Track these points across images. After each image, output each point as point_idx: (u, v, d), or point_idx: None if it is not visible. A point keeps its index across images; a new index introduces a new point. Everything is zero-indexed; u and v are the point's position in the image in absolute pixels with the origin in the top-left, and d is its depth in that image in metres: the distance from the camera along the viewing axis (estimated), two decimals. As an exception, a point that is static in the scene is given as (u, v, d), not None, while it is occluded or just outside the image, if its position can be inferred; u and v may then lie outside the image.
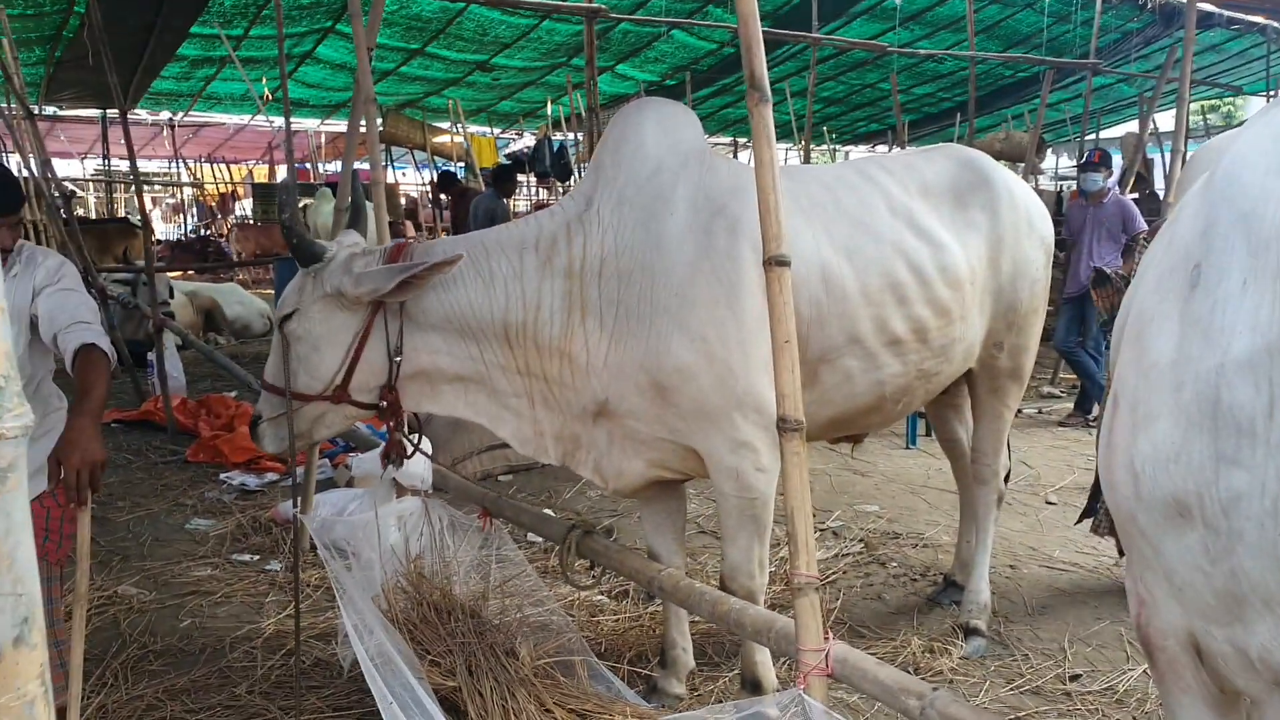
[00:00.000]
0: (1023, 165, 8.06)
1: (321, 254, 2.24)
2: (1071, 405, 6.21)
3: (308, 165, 15.92)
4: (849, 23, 9.26)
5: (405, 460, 2.46)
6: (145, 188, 10.57)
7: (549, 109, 11.03)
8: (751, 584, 2.33)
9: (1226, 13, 8.35)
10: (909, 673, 1.94)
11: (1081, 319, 5.91)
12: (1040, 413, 6.28)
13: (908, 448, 5.42)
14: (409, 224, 13.17)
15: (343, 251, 2.26)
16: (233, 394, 6.23)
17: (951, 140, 9.52)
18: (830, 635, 1.64)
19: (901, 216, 2.51)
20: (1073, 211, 6.32)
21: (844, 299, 2.36)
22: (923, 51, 8.72)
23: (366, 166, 3.78)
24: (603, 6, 5.51)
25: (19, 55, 7.06)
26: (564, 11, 6.21)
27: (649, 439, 2.28)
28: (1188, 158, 3.16)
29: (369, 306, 2.19)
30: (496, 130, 13.63)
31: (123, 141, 5.84)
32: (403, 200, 15.02)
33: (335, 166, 14.71)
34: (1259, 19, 8.78)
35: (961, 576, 3.20)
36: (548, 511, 3.68)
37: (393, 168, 15.21)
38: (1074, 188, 9.15)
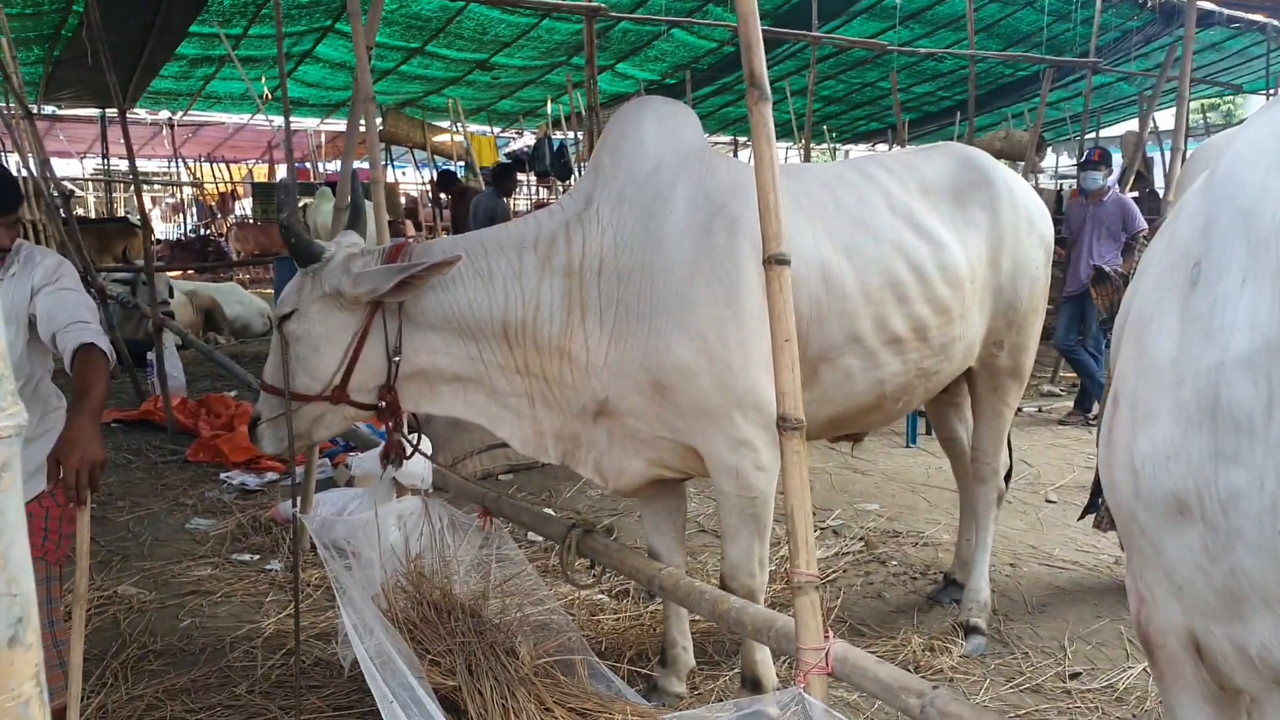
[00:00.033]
0: (1023, 164, 8.05)
1: (320, 254, 2.24)
2: (1071, 404, 6.21)
3: (307, 164, 15.92)
4: (849, 21, 9.25)
5: (404, 460, 2.46)
6: (145, 187, 10.58)
7: (549, 108, 11.03)
8: (752, 582, 2.33)
9: (1226, 11, 8.34)
10: (909, 671, 1.94)
11: (1082, 317, 5.91)
12: (1040, 411, 6.28)
13: (908, 446, 5.42)
14: (409, 223, 13.17)
15: (341, 251, 2.26)
16: (232, 393, 6.22)
17: (951, 139, 9.52)
18: (830, 634, 1.64)
19: (901, 215, 2.51)
20: (1073, 210, 6.32)
21: (844, 298, 2.36)
22: (923, 50, 8.71)
23: (366, 166, 3.78)
24: (602, 5, 5.50)
25: (17, 54, 7.05)
26: (564, 10, 6.21)
27: (649, 438, 2.28)
28: (1187, 156, 3.16)
29: (367, 306, 2.19)
30: (496, 129, 13.62)
31: (122, 141, 5.84)
32: (403, 199, 15.01)
33: (335, 166, 14.70)
34: (1259, 17, 8.78)
35: (961, 575, 3.20)
36: (548, 510, 3.68)
37: (392, 167, 15.20)
38: (1074, 186, 9.15)
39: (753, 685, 2.47)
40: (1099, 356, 5.80)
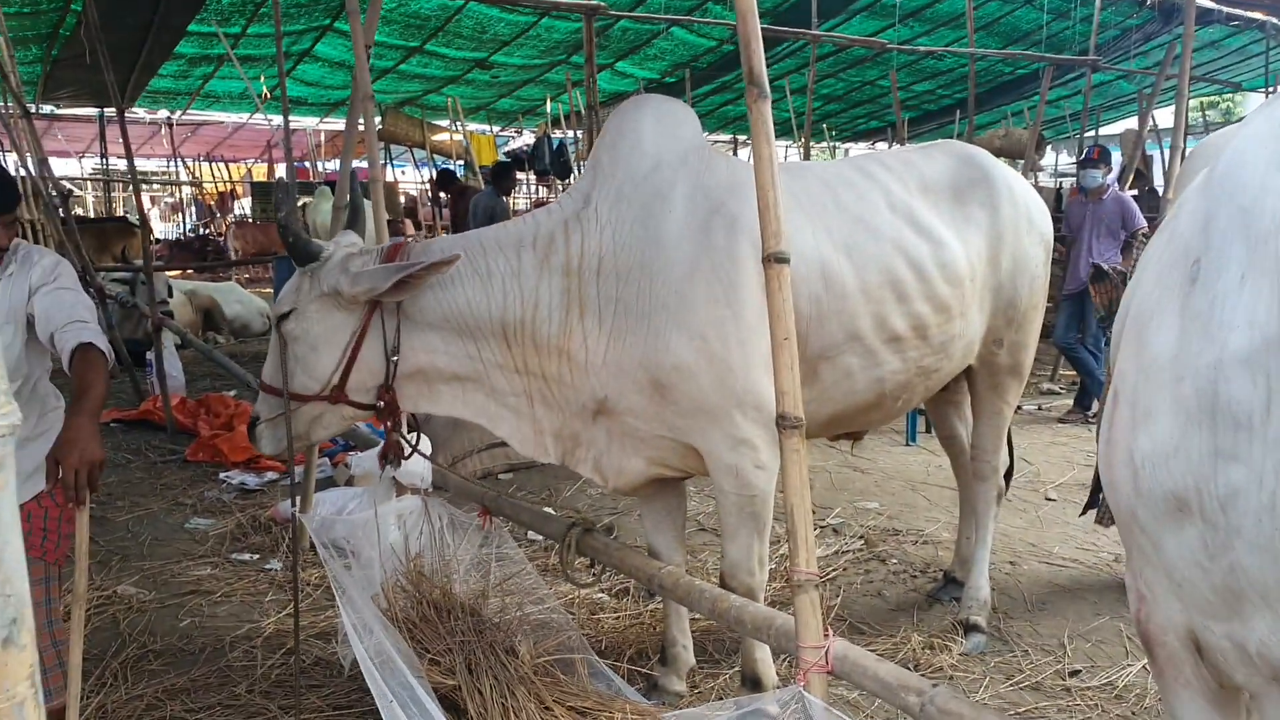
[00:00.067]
0: (1022, 162, 8.05)
1: (318, 253, 2.24)
2: (1071, 402, 6.21)
3: (306, 163, 15.91)
4: (848, 19, 9.24)
5: (403, 460, 2.46)
6: (143, 187, 10.56)
7: (548, 106, 11.02)
8: (751, 581, 2.33)
9: (1225, 9, 8.33)
10: (909, 669, 1.94)
11: (1081, 315, 5.91)
12: (1040, 409, 6.28)
13: (907, 444, 5.42)
14: (408, 222, 13.16)
15: (339, 250, 2.26)
16: (232, 393, 6.22)
17: (951, 137, 9.52)
18: (830, 632, 1.64)
19: (901, 213, 2.51)
20: (1072, 208, 6.32)
21: (843, 296, 2.36)
22: (922, 48, 8.70)
23: (365, 165, 3.78)
24: (602, 4, 5.50)
25: (15, 53, 7.04)
26: (563, 9, 6.20)
27: (648, 437, 2.28)
28: (1187, 154, 3.16)
29: (366, 306, 2.19)
30: (496, 128, 13.61)
31: (120, 140, 5.83)
32: (402, 199, 15.00)
33: (334, 165, 14.69)
34: (1258, 15, 8.77)
35: (961, 573, 3.20)
36: (548, 509, 3.69)
37: (392, 166, 15.19)
38: (1073, 184, 9.14)
39: (753, 683, 2.47)
40: (1098, 354, 5.80)
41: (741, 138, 14.42)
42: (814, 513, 2.69)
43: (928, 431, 5.22)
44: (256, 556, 3.73)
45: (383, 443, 2.44)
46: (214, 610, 3.24)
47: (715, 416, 2.20)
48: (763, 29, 1.64)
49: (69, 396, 1.96)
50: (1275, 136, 1.06)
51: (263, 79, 9.52)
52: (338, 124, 13.22)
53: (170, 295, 8.10)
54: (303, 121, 13.28)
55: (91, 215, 16.40)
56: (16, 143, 6.83)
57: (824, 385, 2.42)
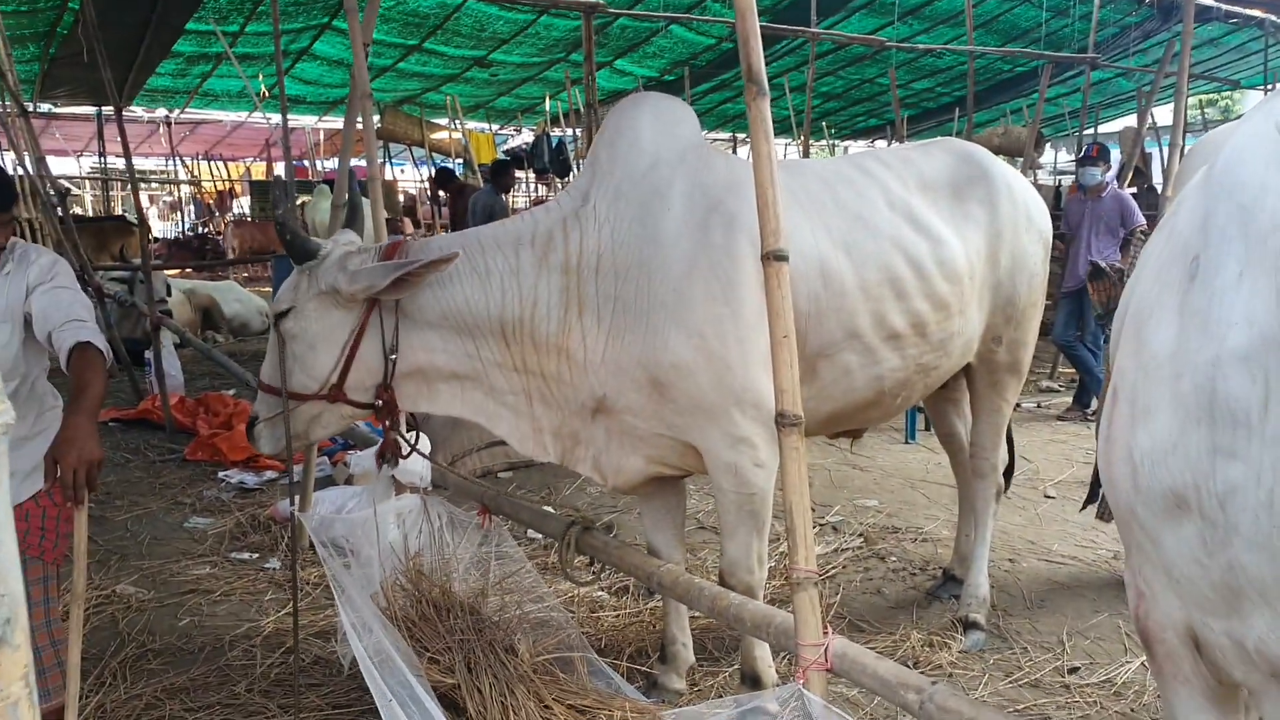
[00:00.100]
0: (1021, 160, 8.05)
1: (316, 251, 2.23)
2: (1070, 399, 6.22)
3: (305, 162, 15.89)
4: (847, 17, 9.24)
5: (401, 459, 2.45)
6: (142, 185, 10.54)
7: (547, 105, 11.01)
8: (750, 579, 2.33)
9: (1224, 6, 8.33)
10: (908, 667, 1.94)
11: (1080, 313, 5.91)
12: (1039, 407, 6.29)
13: (907, 442, 5.43)
14: (407, 221, 13.15)
15: (338, 249, 2.26)
16: (231, 392, 6.22)
17: (950, 135, 9.51)
18: (829, 630, 1.64)
19: (900, 211, 2.51)
20: (1071, 206, 6.32)
21: (842, 294, 2.36)
22: (921, 46, 8.70)
23: (364, 163, 3.77)
24: (601, 2, 5.49)
25: (13, 52, 7.03)
26: (562, 6, 6.19)
27: (647, 435, 2.28)
28: (1186, 151, 3.15)
29: (364, 304, 2.19)
30: (495, 126, 13.60)
31: (119, 139, 5.82)
32: (401, 197, 14.99)
33: (333, 163, 14.68)
34: (1257, 12, 8.77)
35: (960, 570, 3.20)
36: (547, 508, 3.68)
37: (391, 164, 15.17)
38: (1072, 182, 9.14)
39: (752, 681, 2.47)
40: (1097, 352, 5.80)
41: (741, 136, 14.40)
42: (813, 510, 2.69)
43: (927, 429, 5.22)
44: (255, 555, 3.73)
45: (381, 441, 2.44)
46: (213, 609, 3.24)
47: (714, 414, 2.19)
48: (762, 27, 1.64)
49: (67, 396, 1.96)
50: (1274, 134, 1.06)
51: (261, 77, 9.51)
52: (336, 122, 13.21)
53: (169, 294, 8.09)
54: (301, 120, 13.28)
55: (90, 214, 16.38)
56: (14, 141, 6.82)
57: (823, 383, 2.42)
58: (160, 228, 20.01)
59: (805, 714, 1.55)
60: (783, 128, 11.44)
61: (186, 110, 12.32)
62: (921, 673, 2.03)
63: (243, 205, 18.37)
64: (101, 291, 6.32)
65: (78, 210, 15.46)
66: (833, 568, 3.54)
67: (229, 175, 19.12)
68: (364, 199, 2.71)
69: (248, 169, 19.38)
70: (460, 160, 11.35)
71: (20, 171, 6.95)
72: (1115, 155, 7.61)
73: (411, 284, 2.14)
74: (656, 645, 2.76)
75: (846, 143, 16.53)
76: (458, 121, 10.94)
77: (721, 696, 2.50)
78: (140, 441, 5.38)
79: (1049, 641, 2.95)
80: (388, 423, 2.33)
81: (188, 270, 11.63)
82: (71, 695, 1.76)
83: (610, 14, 6.58)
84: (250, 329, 9.38)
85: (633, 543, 3.22)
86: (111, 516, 4.17)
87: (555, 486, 4.57)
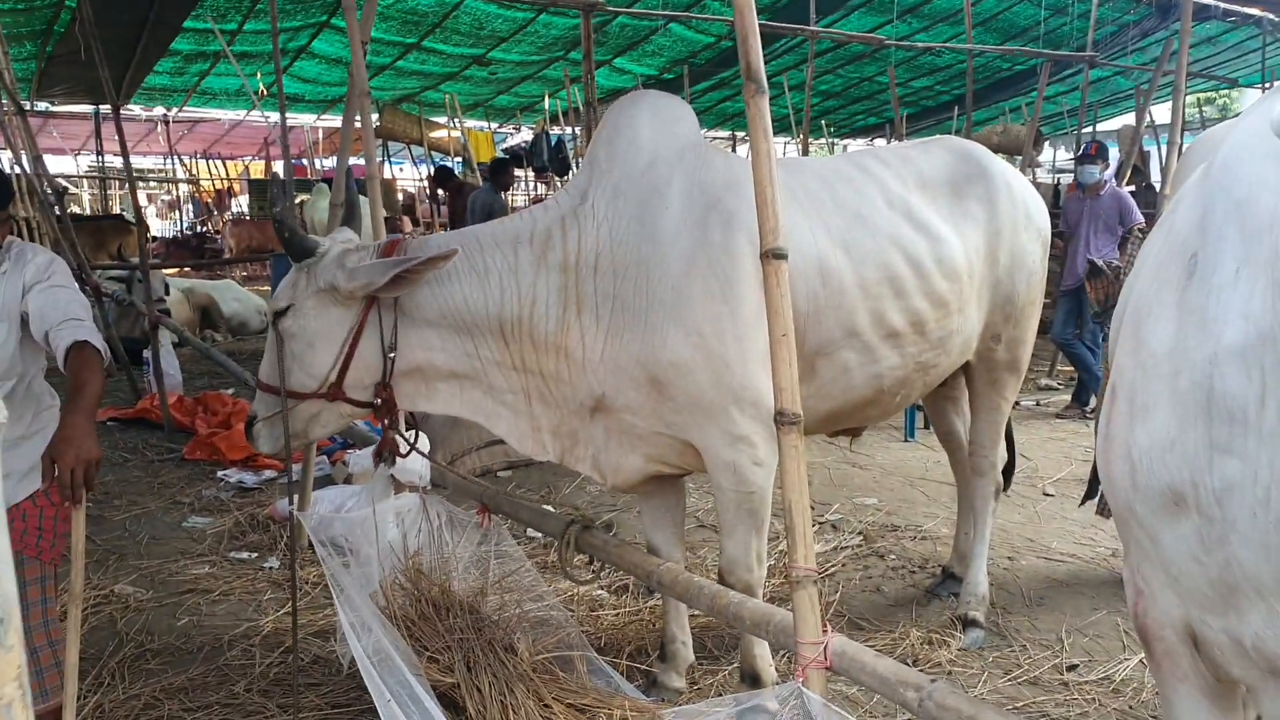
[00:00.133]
0: (1020, 158, 8.05)
1: (314, 249, 2.23)
2: (1069, 397, 6.22)
3: (303, 160, 15.87)
4: (846, 15, 9.23)
5: (399, 458, 2.45)
6: (140, 184, 10.53)
7: (546, 103, 11.00)
8: (750, 577, 2.33)
9: (1223, 5, 8.33)
10: (907, 665, 1.94)
11: (1079, 311, 5.92)
12: (1038, 405, 6.29)
13: (906, 440, 5.43)
14: (406, 219, 13.14)
15: (336, 246, 2.25)
16: (229, 391, 6.21)
17: (949, 133, 9.51)
18: (829, 628, 1.64)
19: (899, 209, 2.51)
20: (1070, 204, 6.32)
21: (841, 292, 2.36)
22: (920, 45, 8.71)
23: (362, 162, 3.77)
24: (600, 0, 5.48)
25: (10, 50, 7.01)
26: (561, 5, 6.18)
27: (646, 434, 2.28)
28: (1184, 150, 3.15)
29: (363, 302, 2.18)
30: (494, 125, 13.59)
31: (116, 137, 5.81)
32: (400, 196, 14.98)
33: (331, 162, 14.63)
34: (1255, 11, 8.77)
35: (960, 568, 3.20)
36: (546, 507, 3.68)
37: (390, 163, 15.16)
38: (1071, 180, 9.14)
39: (752, 680, 2.48)
40: (1096, 350, 5.81)
41: (740, 134, 14.39)
42: (812, 509, 2.69)
43: (926, 427, 5.22)
44: (254, 555, 3.73)
45: (380, 440, 2.44)
46: (212, 609, 3.24)
47: (713, 413, 2.19)
48: (761, 25, 1.64)
49: (64, 395, 1.96)
50: (1271, 132, 1.06)
51: (259, 76, 9.49)
52: (335, 121, 13.18)
53: (167, 293, 8.07)
54: (300, 118, 13.25)
55: (87, 213, 16.36)
56: (11, 140, 6.80)
57: (822, 381, 2.42)
58: (158, 226, 19.98)
59: (805, 712, 1.55)
60: (782, 126, 11.43)
61: (184, 109, 12.30)
62: (921, 670, 2.03)
63: (241, 204, 18.34)
64: (99, 291, 6.31)
65: (75, 209, 15.44)
66: (832, 566, 3.54)
67: (227, 174, 19.10)
68: (362, 197, 2.71)
69: (246, 167, 19.36)
70: (459, 159, 11.34)
71: (17, 170, 6.93)
72: (1114, 153, 7.60)
73: (410, 281, 2.13)
74: (656, 644, 2.76)
75: (845, 141, 16.53)
76: (456, 120, 10.93)
77: (721, 695, 2.50)
78: (138, 441, 5.37)
79: (1048, 639, 2.96)
80: (386, 421, 2.32)
81: (186, 269, 11.62)
82: (69, 695, 1.76)
83: (609, 12, 6.57)
84: (249, 328, 9.37)
85: (632, 541, 3.22)
86: (110, 516, 4.16)
87: (554, 485, 4.57)
